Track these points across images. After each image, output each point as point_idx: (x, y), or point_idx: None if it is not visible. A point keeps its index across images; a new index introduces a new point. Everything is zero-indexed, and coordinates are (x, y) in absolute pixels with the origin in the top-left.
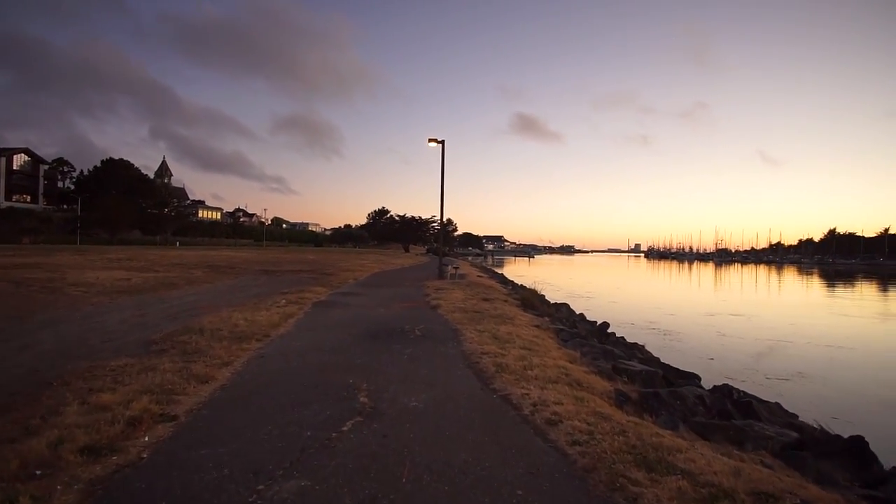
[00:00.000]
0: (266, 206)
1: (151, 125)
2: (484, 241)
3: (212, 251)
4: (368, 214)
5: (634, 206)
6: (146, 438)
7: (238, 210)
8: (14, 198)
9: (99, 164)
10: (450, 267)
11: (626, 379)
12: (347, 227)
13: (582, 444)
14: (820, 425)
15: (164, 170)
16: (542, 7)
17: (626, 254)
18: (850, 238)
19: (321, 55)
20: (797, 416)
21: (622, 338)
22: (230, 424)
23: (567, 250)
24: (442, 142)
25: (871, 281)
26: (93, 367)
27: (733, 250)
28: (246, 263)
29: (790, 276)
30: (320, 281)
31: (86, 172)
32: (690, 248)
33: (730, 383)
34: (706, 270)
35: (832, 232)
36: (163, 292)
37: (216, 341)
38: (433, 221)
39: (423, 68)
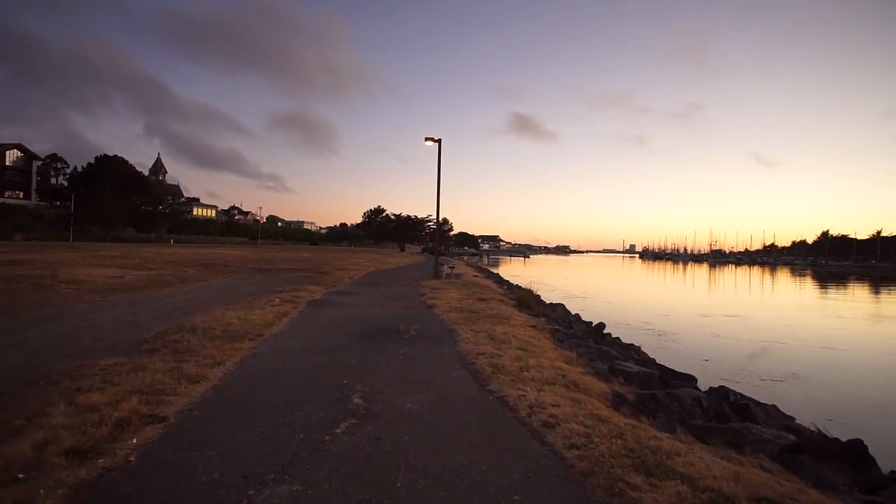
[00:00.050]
0: (261, 204)
1: (146, 122)
2: (480, 240)
3: (206, 249)
4: (364, 213)
5: (630, 207)
6: (134, 440)
7: (233, 208)
8: (6, 194)
9: (93, 161)
10: (445, 266)
11: (622, 380)
12: (343, 225)
13: (579, 447)
14: (817, 428)
15: (158, 167)
16: (538, 7)
17: (621, 254)
18: (843, 240)
19: (318, 53)
20: (794, 419)
21: (618, 338)
22: (221, 426)
23: (562, 250)
24: (438, 140)
25: (864, 283)
26: (82, 366)
27: (727, 251)
28: (240, 261)
29: (783, 277)
30: (315, 280)
31: (79, 169)
32: (685, 249)
33: (725, 385)
34: (700, 271)
35: (825, 234)
36: (156, 290)
37: (209, 340)
38: (429, 221)
39: (420, 67)
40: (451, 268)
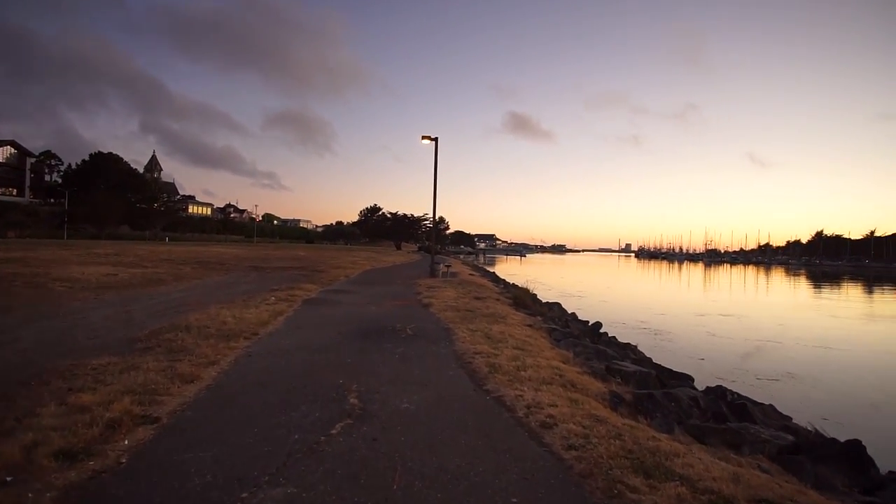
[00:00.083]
0: (257, 202)
1: (141, 119)
2: (476, 239)
3: (201, 247)
4: (360, 212)
5: (626, 206)
6: (126, 442)
7: (229, 206)
8: None
9: (87, 158)
10: (441, 265)
11: (619, 380)
12: (339, 224)
13: (577, 448)
14: (815, 428)
15: (153, 164)
16: (535, 6)
17: (617, 253)
18: (837, 240)
19: (314, 51)
20: (791, 419)
21: (614, 337)
22: (215, 427)
23: (558, 249)
24: (435, 139)
25: (857, 282)
26: (74, 365)
27: (723, 251)
28: (236, 260)
29: (778, 277)
30: (311, 278)
31: (74, 166)
32: (680, 249)
33: (722, 384)
34: (696, 271)
35: (819, 234)
36: (150, 288)
37: (203, 339)
38: (425, 219)
39: (416, 66)
40: (448, 266)
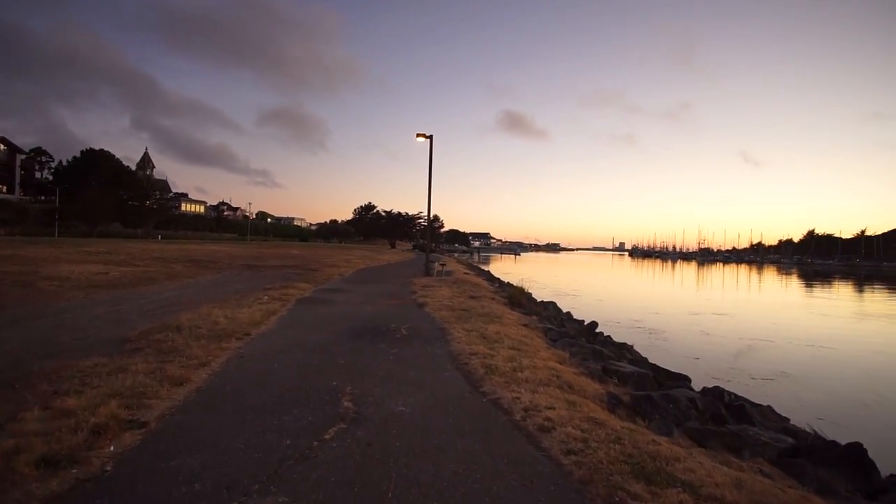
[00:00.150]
0: (251, 199)
1: (133, 115)
2: (470, 238)
3: (194, 245)
4: (354, 210)
5: (619, 205)
6: (112, 448)
7: (222, 203)
8: None
9: (78, 155)
10: (436, 264)
11: (616, 381)
12: (333, 222)
13: (577, 453)
14: (814, 430)
15: (146, 161)
16: (530, 5)
17: (611, 252)
18: (829, 239)
19: (308, 48)
20: (789, 420)
21: (609, 337)
22: (204, 432)
23: (553, 248)
24: (430, 137)
25: (848, 281)
26: (60, 367)
27: (715, 250)
28: (229, 258)
29: (770, 275)
30: (305, 277)
31: (65, 163)
32: (674, 247)
33: (718, 384)
34: (689, 269)
35: (811, 233)
36: (141, 287)
37: (194, 340)
38: (420, 218)
39: (411, 64)
40: (442, 265)
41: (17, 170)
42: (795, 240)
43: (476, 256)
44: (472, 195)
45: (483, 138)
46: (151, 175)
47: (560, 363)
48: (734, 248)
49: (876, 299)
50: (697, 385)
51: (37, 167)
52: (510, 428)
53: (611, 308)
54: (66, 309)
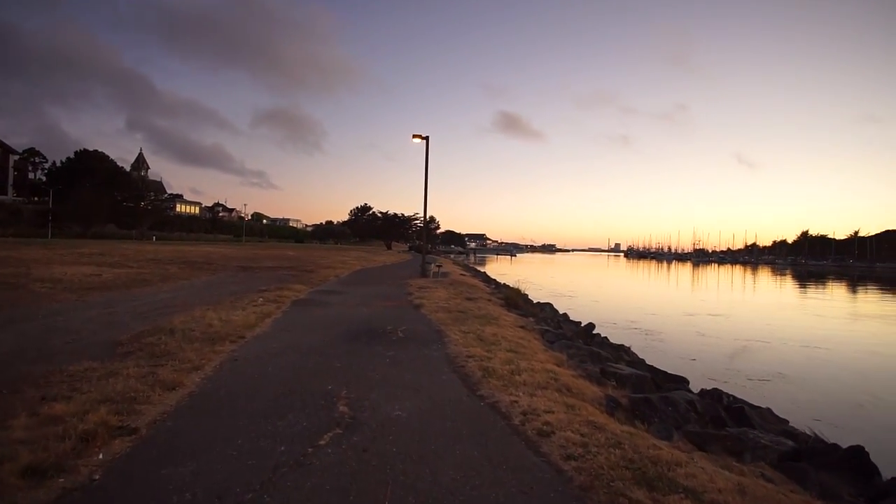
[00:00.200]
0: (246, 200)
1: (128, 116)
2: (466, 239)
3: (189, 246)
4: (350, 211)
5: (615, 206)
6: (101, 456)
7: (217, 204)
8: None
9: (72, 156)
10: (433, 265)
11: (614, 383)
12: (329, 223)
13: (577, 458)
14: (814, 432)
15: (140, 162)
16: (525, 6)
17: (607, 253)
18: (823, 240)
19: (304, 48)
20: (788, 422)
21: (606, 338)
22: (196, 438)
23: (548, 249)
24: (426, 138)
25: (842, 282)
26: (50, 371)
27: (710, 251)
28: (224, 259)
29: (765, 276)
30: (300, 278)
31: (58, 164)
32: (669, 248)
33: (716, 385)
34: (684, 270)
35: (805, 234)
36: (135, 289)
37: (187, 343)
38: (416, 219)
39: (407, 65)
40: (439, 266)
41: (10, 171)
42: (790, 241)
43: (472, 257)
44: (468, 196)
45: (479, 139)
46: (146, 176)
47: (558, 365)
48: (729, 249)
49: (869, 300)
50: (695, 387)
51: (30, 168)
52: (508, 432)
53: (607, 309)
54: (57, 311)
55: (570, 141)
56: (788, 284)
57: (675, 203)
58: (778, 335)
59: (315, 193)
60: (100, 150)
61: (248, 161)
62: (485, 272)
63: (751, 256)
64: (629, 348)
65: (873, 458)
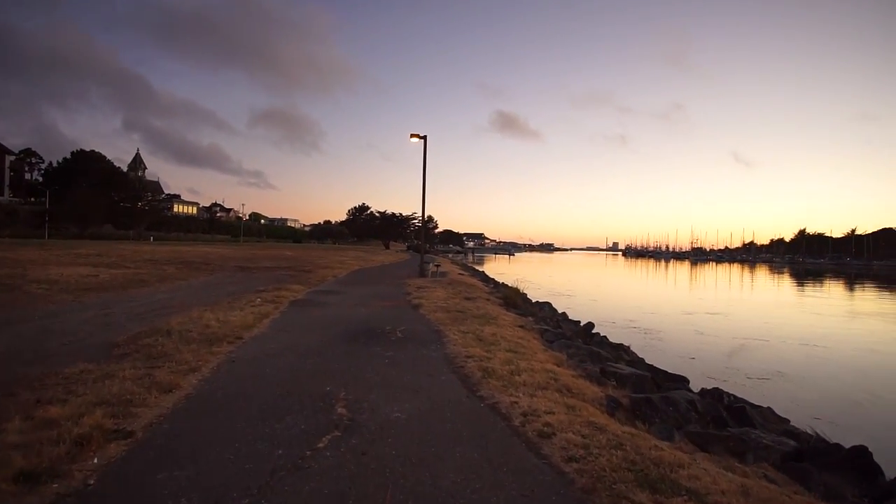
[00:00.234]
0: (244, 201)
1: (125, 116)
2: (464, 238)
3: (187, 247)
4: (348, 211)
5: (613, 205)
6: (95, 460)
7: (215, 205)
8: None
9: (69, 156)
10: (431, 265)
11: (615, 383)
12: (327, 223)
13: (578, 460)
14: (815, 432)
15: (137, 162)
16: (522, 5)
17: (605, 252)
18: (820, 238)
19: (301, 48)
20: (789, 421)
21: (605, 337)
22: (193, 442)
23: (546, 248)
24: (424, 137)
25: (839, 280)
26: (45, 374)
27: (708, 249)
28: (222, 260)
29: (762, 274)
30: (298, 278)
31: (55, 164)
32: (667, 247)
33: (715, 384)
34: (682, 269)
35: (802, 232)
36: (132, 290)
37: (184, 344)
38: (414, 218)
39: (404, 65)
40: (437, 266)
41: (7, 171)
42: (787, 239)
43: (470, 257)
44: (466, 196)
45: (477, 139)
46: (143, 176)
47: (557, 365)
48: (727, 248)
49: (866, 298)
50: (695, 386)
51: (26, 168)
52: (509, 434)
53: (605, 308)
54: (53, 313)
55: (568, 140)
56: (786, 283)
57: (673, 202)
58: (776, 333)
59: (313, 193)
60: (97, 150)
61: (246, 161)
62: (483, 271)
63: (748, 255)
64: (629, 347)
65: (876, 457)
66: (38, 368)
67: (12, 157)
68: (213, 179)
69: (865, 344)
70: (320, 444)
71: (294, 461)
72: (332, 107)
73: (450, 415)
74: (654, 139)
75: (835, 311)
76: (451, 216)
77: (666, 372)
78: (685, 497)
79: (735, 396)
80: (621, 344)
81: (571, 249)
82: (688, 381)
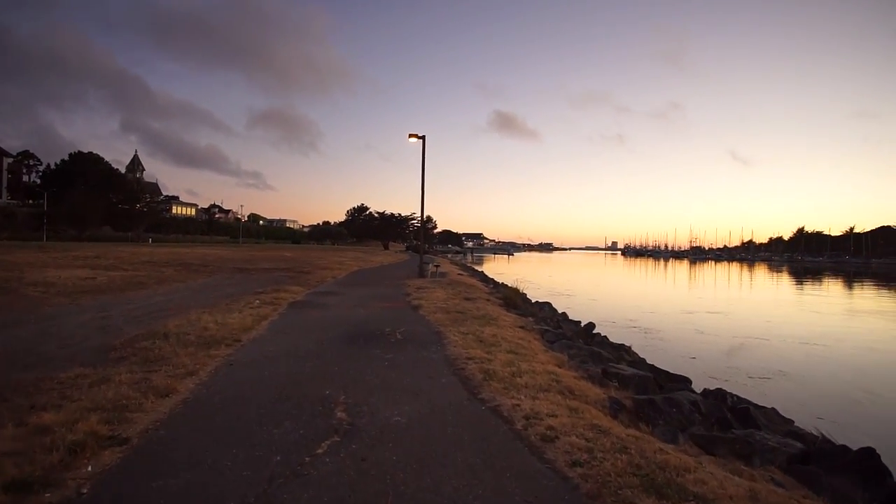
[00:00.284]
0: (242, 202)
1: (123, 118)
2: (464, 238)
3: (185, 248)
4: (347, 211)
5: (611, 205)
6: (89, 468)
7: (213, 206)
8: None
9: (67, 158)
10: (430, 265)
11: (617, 384)
12: (326, 223)
13: (583, 464)
14: (821, 433)
15: (136, 164)
16: (520, 5)
17: (604, 251)
18: (818, 236)
19: (298, 49)
20: (793, 422)
21: (605, 337)
22: (189, 448)
23: (545, 248)
24: (422, 137)
25: (838, 278)
26: (40, 378)
27: (707, 248)
28: (220, 261)
29: (761, 273)
30: (297, 280)
31: (53, 166)
32: (666, 246)
33: (715, 384)
34: (681, 268)
35: (801, 230)
36: (130, 293)
37: (182, 347)
38: (413, 219)
39: (402, 65)
40: (436, 266)
41: (4, 174)
42: (785, 237)
43: (469, 257)
44: (465, 196)
45: (475, 139)
46: (141, 178)
47: (559, 366)
48: (725, 247)
49: (865, 296)
50: (697, 386)
51: (24, 171)
52: (511, 438)
53: (605, 308)
54: (50, 316)
55: (566, 140)
56: (785, 281)
57: (672, 201)
58: (776, 332)
59: (312, 194)
60: (94, 152)
61: (244, 162)
62: (482, 272)
63: (747, 253)
64: (630, 348)
65: (883, 459)
66: (34, 373)
67: (10, 160)
68: (212, 181)
69: (865, 342)
70: (319, 450)
71: (293, 468)
72: (330, 107)
73: (451, 418)
74: (652, 138)
75: (834, 310)
76: (449, 216)
77: (668, 372)
78: (692, 502)
79: (738, 397)
80: (622, 344)
81: (570, 249)
82: (690, 382)
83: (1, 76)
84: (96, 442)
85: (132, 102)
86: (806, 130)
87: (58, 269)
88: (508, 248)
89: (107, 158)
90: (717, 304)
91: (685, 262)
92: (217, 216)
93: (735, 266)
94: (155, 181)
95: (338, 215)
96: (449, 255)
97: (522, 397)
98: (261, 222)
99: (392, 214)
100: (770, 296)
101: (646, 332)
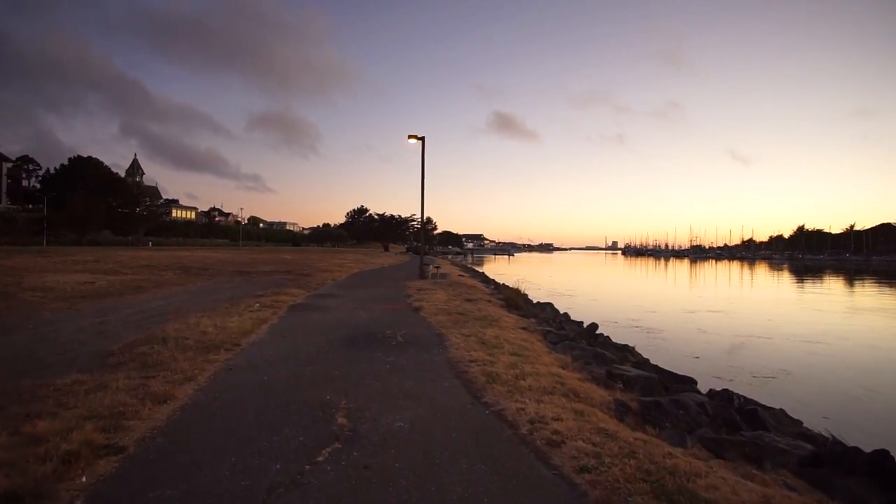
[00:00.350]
0: (242, 205)
1: (122, 122)
2: (464, 239)
3: (185, 252)
4: (347, 213)
5: (611, 204)
6: (84, 479)
7: (213, 209)
8: None
9: (66, 162)
10: (431, 266)
11: (622, 386)
12: (326, 226)
13: (590, 470)
14: (831, 434)
15: (135, 168)
16: (518, 6)
17: (604, 251)
18: (819, 234)
19: (298, 52)
20: (801, 423)
21: (608, 338)
22: (187, 457)
23: (546, 248)
24: (422, 138)
25: (839, 276)
26: (36, 385)
27: (707, 247)
28: (220, 264)
29: (762, 271)
30: (297, 282)
31: (52, 171)
32: (666, 245)
33: (720, 384)
34: (682, 267)
35: (801, 229)
36: (129, 297)
37: (180, 352)
38: (413, 220)
39: (401, 66)
40: (437, 267)
41: (4, 178)
42: (786, 236)
43: (470, 258)
44: (465, 197)
45: (475, 140)
46: (141, 181)
47: (563, 368)
48: (726, 245)
49: (866, 293)
50: (703, 387)
51: (24, 175)
52: (517, 443)
53: (607, 308)
54: (48, 321)
55: (565, 140)
56: (786, 279)
57: (672, 200)
58: (779, 331)
59: (311, 196)
60: (94, 156)
61: (244, 165)
62: (483, 272)
63: (747, 252)
64: (633, 348)
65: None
66: (30, 379)
67: (9, 164)
68: (212, 184)
69: (867, 340)
70: (320, 458)
71: (293, 476)
72: (329, 109)
73: (454, 423)
74: (652, 138)
75: (835, 308)
76: (449, 217)
77: (673, 373)
78: None
79: (745, 398)
80: (626, 344)
81: (571, 249)
82: (695, 383)
83: (0, 81)
84: (91, 451)
85: (131, 106)
86: (806, 129)
87: (57, 274)
88: (509, 249)
89: (106, 162)
90: (719, 302)
91: (686, 262)
92: (217, 219)
93: (736, 265)
94: (154, 185)
95: (338, 217)
96: (449, 257)
97: (527, 400)
98: (261, 225)
99: (392, 216)
100: (771, 294)
101: (648, 332)
